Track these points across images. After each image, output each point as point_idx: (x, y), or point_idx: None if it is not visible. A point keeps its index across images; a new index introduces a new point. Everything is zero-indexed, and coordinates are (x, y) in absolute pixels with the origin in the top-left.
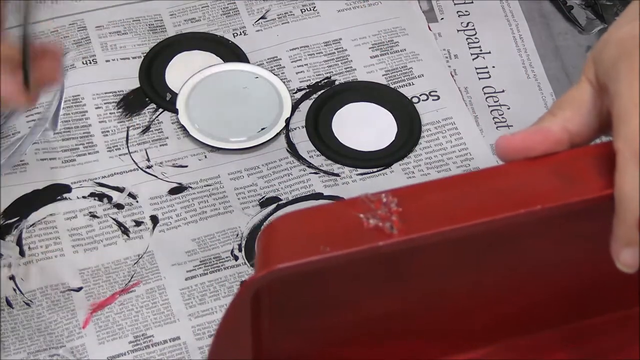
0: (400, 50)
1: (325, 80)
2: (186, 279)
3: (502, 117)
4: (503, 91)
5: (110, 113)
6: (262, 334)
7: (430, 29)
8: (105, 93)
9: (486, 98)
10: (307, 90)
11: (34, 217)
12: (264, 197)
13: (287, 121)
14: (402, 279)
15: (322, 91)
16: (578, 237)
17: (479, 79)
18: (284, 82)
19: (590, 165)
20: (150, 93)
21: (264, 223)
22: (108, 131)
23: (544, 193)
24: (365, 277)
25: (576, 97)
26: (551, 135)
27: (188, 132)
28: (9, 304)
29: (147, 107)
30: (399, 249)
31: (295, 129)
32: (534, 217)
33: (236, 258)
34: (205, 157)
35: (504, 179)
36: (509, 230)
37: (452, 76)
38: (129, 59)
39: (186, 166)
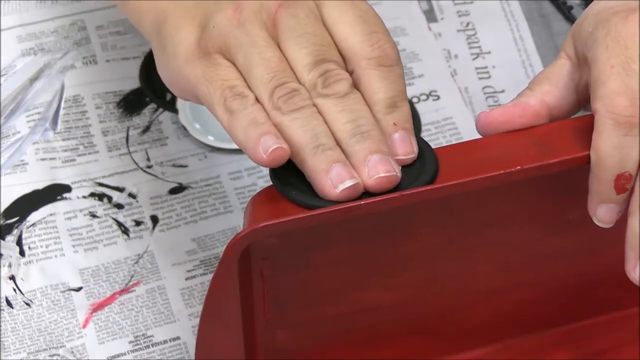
0: (400, 50)
1: None
2: (186, 279)
3: None
4: (503, 91)
5: (110, 113)
6: (256, 328)
7: (430, 29)
8: (105, 93)
9: (486, 98)
10: None
11: (34, 217)
12: None
13: None
14: (395, 265)
15: None
16: (569, 224)
17: (479, 79)
18: None
19: (569, 136)
20: (150, 93)
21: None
22: (108, 131)
23: (523, 159)
24: (357, 259)
25: (554, 72)
26: (529, 108)
27: (188, 132)
28: (9, 304)
29: (147, 107)
30: (378, 211)
31: None
32: (513, 178)
33: None
34: (205, 157)
35: (484, 150)
36: (495, 205)
37: (452, 76)
38: (129, 59)
39: (186, 166)
